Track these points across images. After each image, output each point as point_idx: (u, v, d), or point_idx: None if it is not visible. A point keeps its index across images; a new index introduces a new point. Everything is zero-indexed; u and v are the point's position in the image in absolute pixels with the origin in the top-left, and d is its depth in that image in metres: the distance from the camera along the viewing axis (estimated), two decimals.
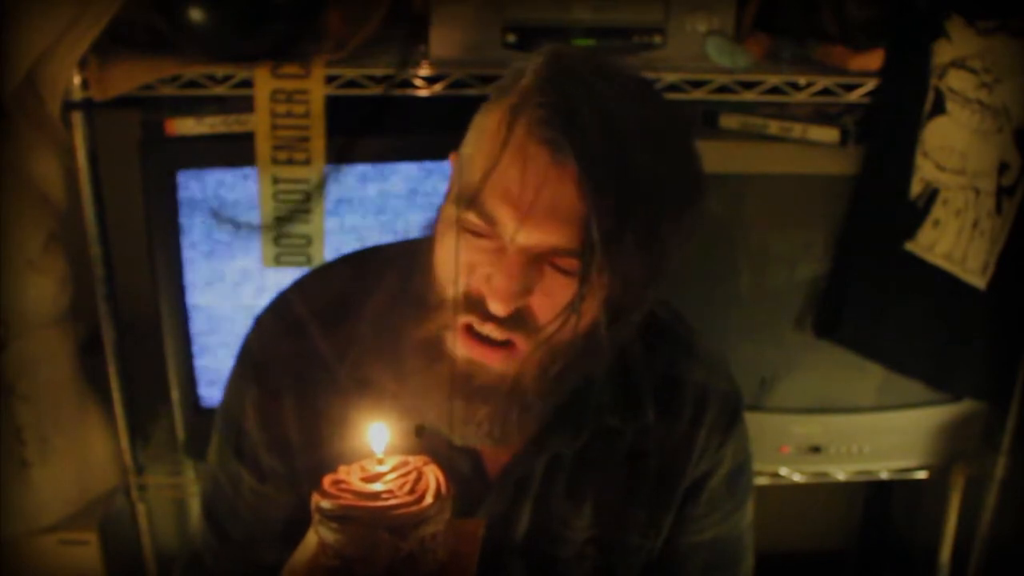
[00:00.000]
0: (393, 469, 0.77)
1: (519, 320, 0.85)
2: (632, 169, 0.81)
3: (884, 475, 1.70)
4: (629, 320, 0.90)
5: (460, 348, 0.87)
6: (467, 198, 0.84)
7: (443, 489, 0.76)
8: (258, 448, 1.00)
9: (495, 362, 0.87)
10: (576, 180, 0.79)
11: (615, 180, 0.80)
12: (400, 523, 0.73)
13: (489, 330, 0.85)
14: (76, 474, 1.56)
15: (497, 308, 0.83)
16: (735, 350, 1.49)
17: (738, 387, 1.08)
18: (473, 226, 0.84)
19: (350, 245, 1.27)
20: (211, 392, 1.52)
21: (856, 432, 1.63)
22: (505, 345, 0.86)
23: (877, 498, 2.12)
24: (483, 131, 0.86)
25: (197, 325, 1.49)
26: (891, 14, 1.42)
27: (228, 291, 1.49)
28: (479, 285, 0.84)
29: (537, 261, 0.83)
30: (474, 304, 0.85)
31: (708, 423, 1.05)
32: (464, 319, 0.86)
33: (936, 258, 1.49)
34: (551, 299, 0.84)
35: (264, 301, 1.05)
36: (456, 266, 0.86)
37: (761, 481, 1.63)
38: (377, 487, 0.75)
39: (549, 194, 0.80)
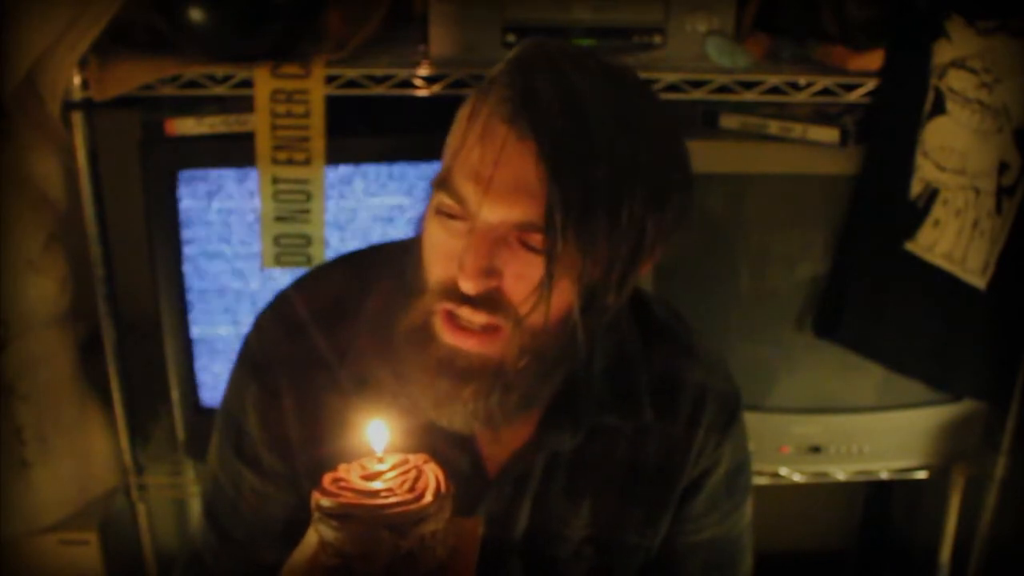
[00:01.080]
0: (393, 467, 0.77)
1: (494, 303, 0.85)
2: (600, 149, 0.82)
3: (884, 475, 1.70)
4: (605, 305, 0.90)
5: (443, 335, 0.88)
6: (440, 180, 0.86)
7: (443, 487, 0.76)
8: (259, 447, 1.00)
9: (476, 347, 0.87)
10: (537, 156, 0.80)
11: (578, 157, 0.81)
12: (400, 521, 0.73)
13: (466, 314, 0.86)
14: (76, 474, 1.56)
15: (467, 287, 0.84)
16: (735, 350, 1.49)
17: (737, 387, 1.08)
18: (447, 207, 0.85)
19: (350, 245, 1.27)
20: (211, 392, 1.52)
21: (856, 432, 1.63)
22: (486, 331, 0.87)
23: (877, 498, 2.12)
24: (457, 117, 0.88)
25: (197, 325, 1.49)
26: (891, 14, 1.42)
27: (228, 291, 1.48)
28: (453, 268, 0.85)
29: (505, 239, 0.84)
30: (450, 288, 0.86)
31: (706, 422, 1.05)
32: (442, 304, 0.87)
33: (936, 258, 1.49)
34: (524, 281, 0.84)
35: (264, 301, 1.05)
36: (433, 250, 0.87)
37: (761, 481, 1.63)
38: (377, 485, 0.75)
39: (511, 170, 0.81)
